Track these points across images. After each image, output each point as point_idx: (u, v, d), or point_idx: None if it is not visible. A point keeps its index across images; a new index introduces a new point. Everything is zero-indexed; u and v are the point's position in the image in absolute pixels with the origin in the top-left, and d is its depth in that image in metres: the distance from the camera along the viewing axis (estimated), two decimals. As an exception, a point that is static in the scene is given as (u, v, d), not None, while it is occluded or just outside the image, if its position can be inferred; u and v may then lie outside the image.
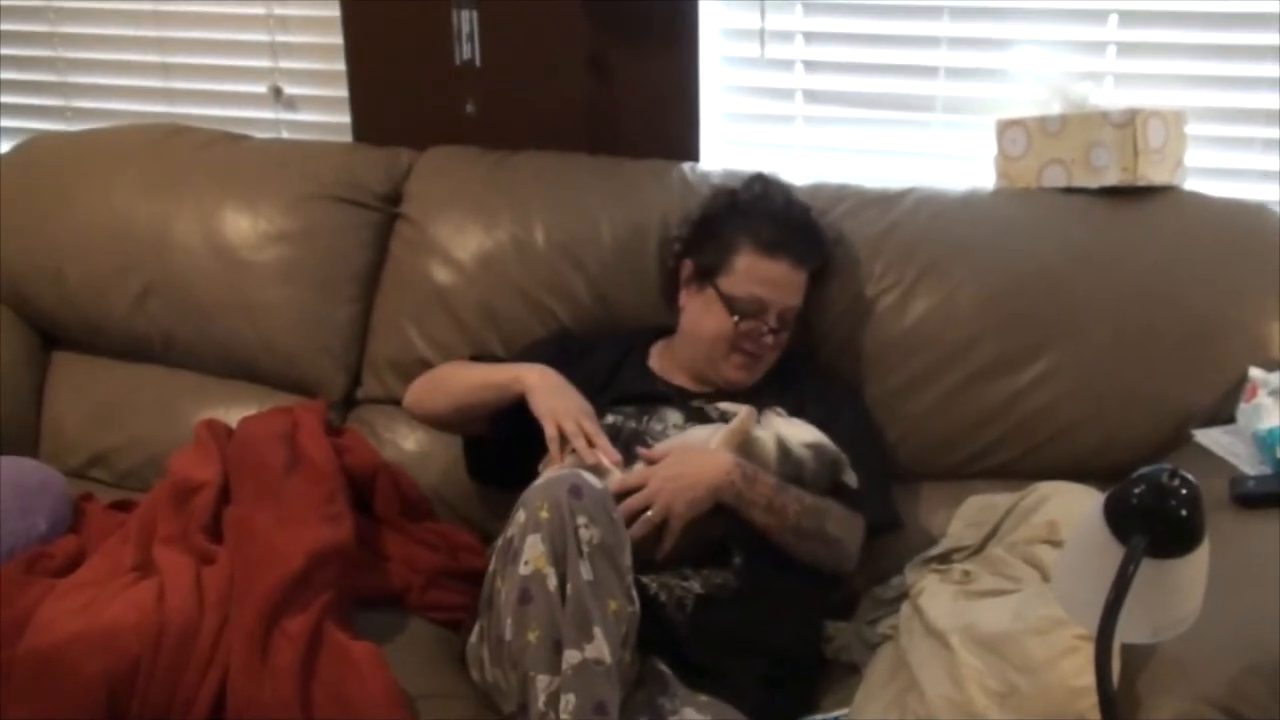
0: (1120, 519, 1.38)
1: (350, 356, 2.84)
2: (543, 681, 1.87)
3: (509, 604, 1.92)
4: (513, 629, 1.91)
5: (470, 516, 2.59)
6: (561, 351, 2.49)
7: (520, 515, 1.95)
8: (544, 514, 1.91)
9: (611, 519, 1.94)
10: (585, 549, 1.88)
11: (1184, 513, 1.37)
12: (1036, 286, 2.46)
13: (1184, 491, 1.36)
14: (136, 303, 2.89)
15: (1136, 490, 1.37)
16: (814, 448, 2.23)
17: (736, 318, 2.35)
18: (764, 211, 2.43)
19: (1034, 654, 1.70)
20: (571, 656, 1.85)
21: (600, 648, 1.85)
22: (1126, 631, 1.44)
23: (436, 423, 2.57)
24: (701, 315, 2.42)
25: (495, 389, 2.37)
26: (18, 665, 1.92)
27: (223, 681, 1.94)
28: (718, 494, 2.14)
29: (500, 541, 2.01)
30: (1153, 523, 1.36)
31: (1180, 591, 1.44)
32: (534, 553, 1.90)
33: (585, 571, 1.88)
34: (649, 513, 2.10)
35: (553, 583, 1.89)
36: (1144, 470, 1.40)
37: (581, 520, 1.89)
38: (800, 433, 2.26)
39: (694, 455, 2.18)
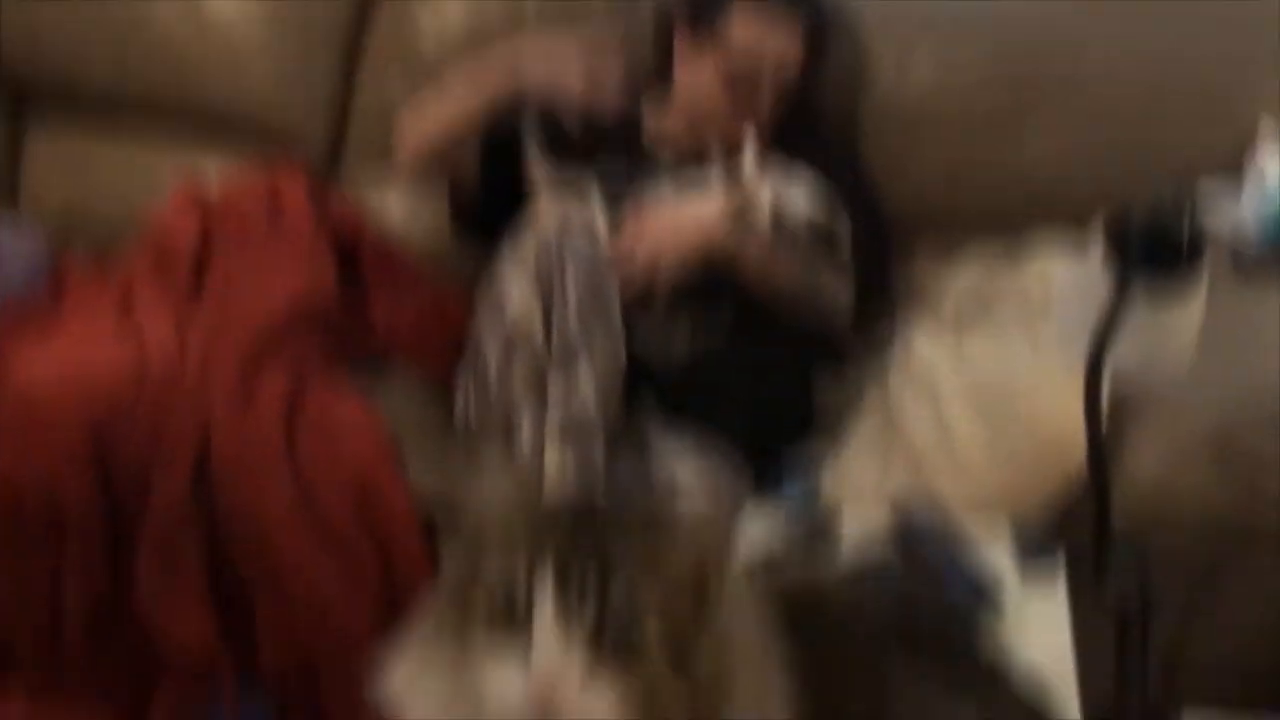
0: (1119, 243, 1.34)
1: (334, 112, 2.76)
2: (527, 429, 1.86)
3: (494, 352, 1.90)
4: (498, 378, 1.89)
5: (459, 274, 2.54)
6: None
7: (506, 260, 1.91)
8: (531, 259, 1.87)
9: (600, 267, 1.90)
10: (572, 296, 1.86)
11: (1184, 238, 1.33)
12: (1042, 43, 2.40)
13: (1186, 213, 1.32)
14: (115, 60, 2.78)
15: (1136, 214, 1.33)
16: (810, 219, 2.18)
17: (732, 67, 2.27)
18: None
19: (1023, 398, 1.68)
20: (557, 405, 1.83)
21: (587, 396, 1.84)
22: (1118, 365, 1.43)
23: (426, 159, 2.48)
24: (697, 73, 2.34)
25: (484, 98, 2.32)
26: (-2, 411, 1.92)
27: (207, 428, 1.94)
28: (708, 242, 2.09)
29: (486, 288, 1.98)
30: (1151, 247, 1.32)
31: (1175, 325, 1.42)
32: (520, 300, 1.87)
33: (572, 320, 1.85)
34: (638, 257, 2.06)
35: (539, 329, 1.86)
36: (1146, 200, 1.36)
37: (569, 267, 1.86)
38: (797, 198, 2.20)
39: (685, 206, 2.13)
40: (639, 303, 2.07)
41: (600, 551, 0.77)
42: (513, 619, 0.77)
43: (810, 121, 2.45)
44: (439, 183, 2.51)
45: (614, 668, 0.76)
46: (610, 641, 0.76)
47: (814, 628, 0.91)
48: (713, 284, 2.13)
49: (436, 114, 2.41)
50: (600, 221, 2.08)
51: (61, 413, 1.91)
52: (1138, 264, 1.33)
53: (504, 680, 0.76)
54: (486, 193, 2.38)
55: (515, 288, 1.87)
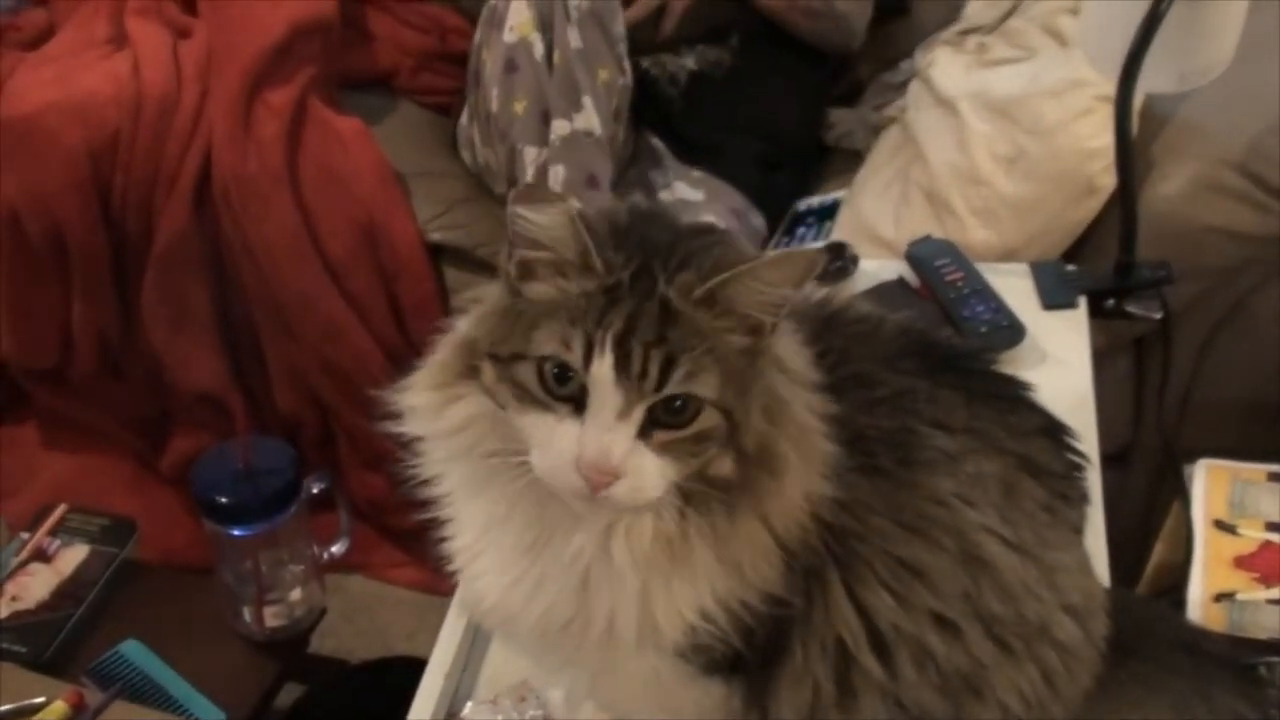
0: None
1: None
2: (531, 153, 1.81)
3: (495, 75, 1.83)
4: (499, 100, 1.83)
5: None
6: None
7: None
8: None
9: None
10: (574, 14, 1.77)
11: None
12: None
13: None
14: None
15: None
16: None
17: None
18: None
19: (1047, 116, 1.62)
20: (560, 127, 1.78)
21: (590, 118, 1.78)
22: (1151, 79, 1.36)
23: None
24: None
25: None
26: (-6, 135, 1.87)
27: (207, 154, 1.89)
28: None
29: (485, 9, 1.90)
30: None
31: (1212, 33, 1.34)
32: (520, 19, 1.80)
33: (574, 39, 1.78)
34: None
35: (539, 50, 1.79)
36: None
37: None
38: None
39: None
40: (649, 35, 1.99)
41: (660, 328, 0.73)
42: (564, 386, 0.74)
43: None
44: None
45: (667, 435, 0.74)
46: (665, 412, 0.74)
47: (832, 342, 0.88)
48: (724, 11, 2.04)
49: None
50: None
51: (58, 136, 1.86)
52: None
53: (553, 438, 0.74)
54: None
55: (513, 9, 1.79)
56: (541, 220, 0.75)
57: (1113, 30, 1.34)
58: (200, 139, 1.89)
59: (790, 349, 0.80)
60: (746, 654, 0.83)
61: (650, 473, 0.74)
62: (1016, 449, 0.88)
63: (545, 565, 0.80)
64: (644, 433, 0.74)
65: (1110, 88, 1.41)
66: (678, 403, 0.74)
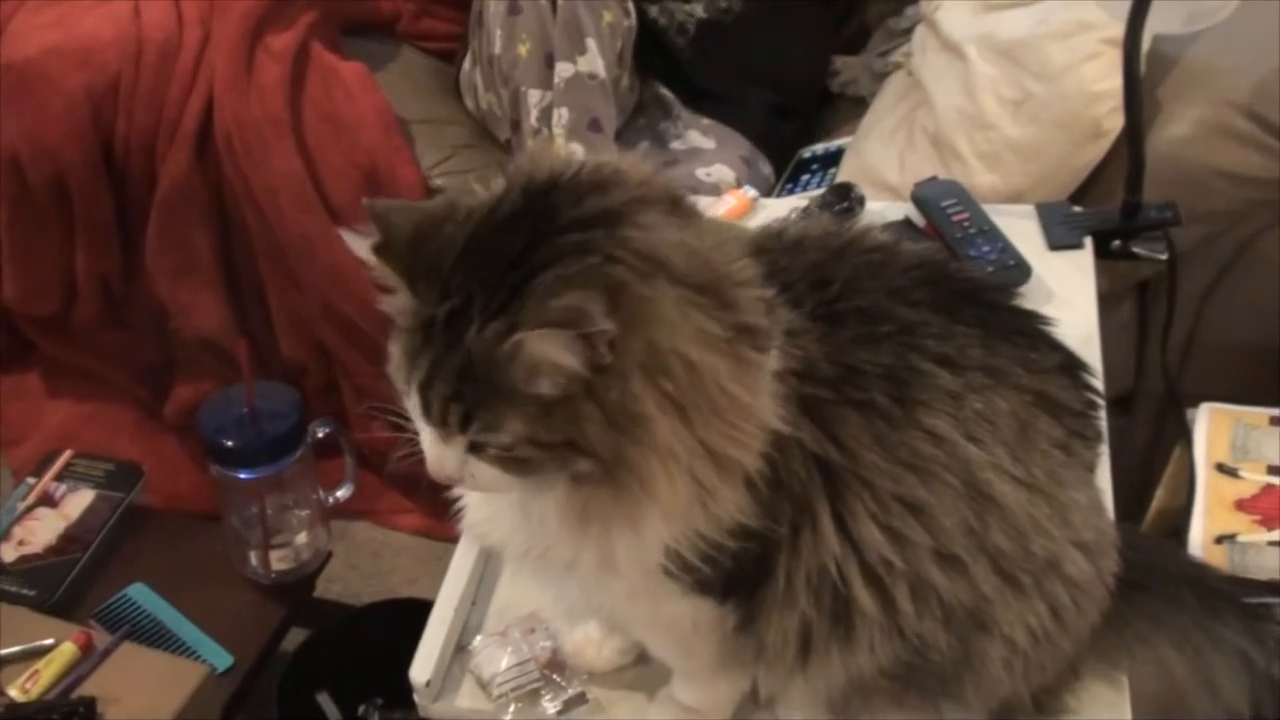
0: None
1: None
2: (534, 96, 1.80)
3: (498, 16, 1.82)
4: (502, 42, 1.81)
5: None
6: None
7: None
8: None
9: None
10: None
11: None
12: None
13: None
14: None
15: None
16: None
17: None
18: None
19: (1054, 59, 1.60)
20: (564, 69, 1.77)
21: (594, 60, 1.77)
22: (1159, 19, 1.35)
23: None
24: None
25: None
26: (-5, 79, 1.86)
27: (209, 100, 1.88)
28: None
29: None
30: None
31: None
32: None
33: None
34: None
35: None
36: None
37: None
38: None
39: None
40: None
41: (459, 382, 0.73)
42: None
43: None
44: None
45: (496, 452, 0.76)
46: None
47: (838, 272, 0.87)
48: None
49: None
50: None
51: (59, 81, 1.85)
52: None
53: (421, 437, 0.78)
54: None
55: None
56: (359, 250, 0.77)
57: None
58: (202, 84, 1.88)
59: (689, 331, 0.75)
60: (735, 576, 0.84)
61: (490, 476, 0.77)
62: (1034, 386, 0.87)
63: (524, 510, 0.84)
64: (475, 449, 0.76)
65: (1117, 30, 1.41)
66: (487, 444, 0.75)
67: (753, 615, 0.87)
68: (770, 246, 0.88)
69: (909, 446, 0.83)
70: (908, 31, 2.02)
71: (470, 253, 0.74)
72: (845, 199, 1.49)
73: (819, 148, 2.01)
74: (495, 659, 1.05)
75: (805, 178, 1.97)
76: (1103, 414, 0.94)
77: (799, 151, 2.03)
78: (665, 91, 1.99)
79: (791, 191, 1.94)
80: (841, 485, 0.82)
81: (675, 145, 1.94)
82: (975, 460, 0.84)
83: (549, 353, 0.70)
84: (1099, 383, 0.94)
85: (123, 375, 2.21)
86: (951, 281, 0.91)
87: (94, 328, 2.11)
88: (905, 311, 0.86)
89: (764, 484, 0.80)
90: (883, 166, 1.81)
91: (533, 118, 1.80)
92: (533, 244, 0.73)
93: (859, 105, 2.06)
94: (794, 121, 2.07)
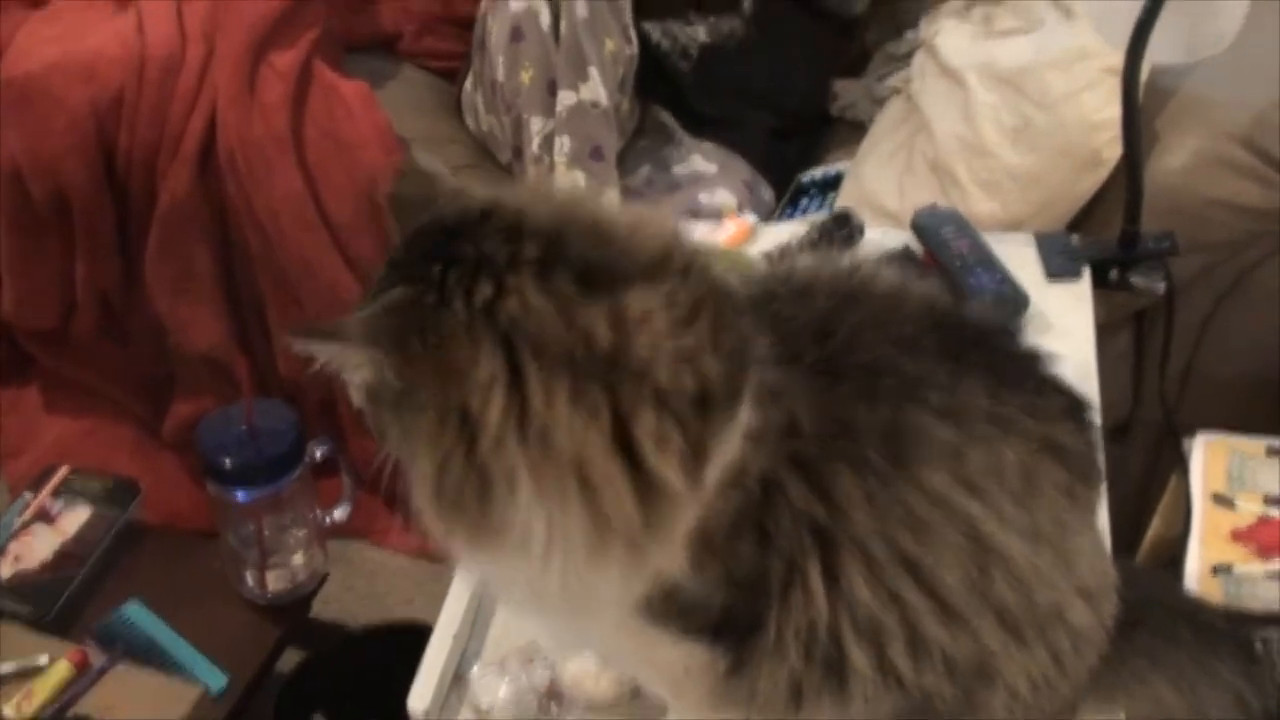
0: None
1: None
2: (537, 124, 1.81)
3: (500, 43, 1.83)
4: (505, 69, 1.82)
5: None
6: None
7: None
8: None
9: None
10: None
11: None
12: None
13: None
14: None
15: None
16: None
17: None
18: None
19: (1054, 87, 1.61)
20: (566, 97, 1.77)
21: (596, 89, 1.78)
22: (1158, 49, 1.36)
23: None
24: None
25: None
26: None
27: (212, 116, 1.89)
28: None
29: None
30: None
31: (1220, 3, 1.34)
32: None
33: (580, 8, 1.77)
34: None
35: (546, 19, 1.79)
36: None
37: None
38: None
39: None
40: None
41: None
42: None
43: None
44: None
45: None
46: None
47: (847, 320, 0.86)
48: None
49: None
50: None
51: (63, 95, 1.85)
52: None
53: None
54: None
55: None
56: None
57: (1117, 11, 1.35)
58: (205, 101, 1.88)
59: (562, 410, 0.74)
60: (723, 626, 0.84)
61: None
62: (1040, 432, 0.87)
63: None
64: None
65: (1117, 59, 1.41)
66: None
67: (743, 661, 0.86)
68: (779, 292, 0.87)
69: (905, 504, 0.82)
70: (906, 56, 2.03)
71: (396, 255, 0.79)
72: (845, 226, 1.50)
73: (818, 172, 2.01)
74: (493, 689, 1.05)
75: (804, 202, 1.98)
76: (1101, 452, 0.94)
77: (798, 176, 2.04)
78: (668, 118, 1.99)
79: (791, 216, 1.94)
80: (833, 544, 0.82)
81: (677, 170, 1.94)
82: (977, 515, 0.83)
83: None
84: (1098, 418, 0.94)
85: (121, 391, 2.21)
86: (959, 328, 0.90)
87: (93, 342, 2.11)
88: (909, 364, 0.85)
89: (747, 540, 0.80)
90: (882, 192, 1.81)
91: (535, 145, 1.80)
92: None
93: (859, 129, 2.06)
94: (794, 145, 2.07)
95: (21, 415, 2.22)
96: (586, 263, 0.75)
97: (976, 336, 0.90)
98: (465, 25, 2.14)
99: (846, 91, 2.16)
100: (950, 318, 0.91)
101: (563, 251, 0.75)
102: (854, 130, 2.10)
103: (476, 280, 0.74)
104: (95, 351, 2.14)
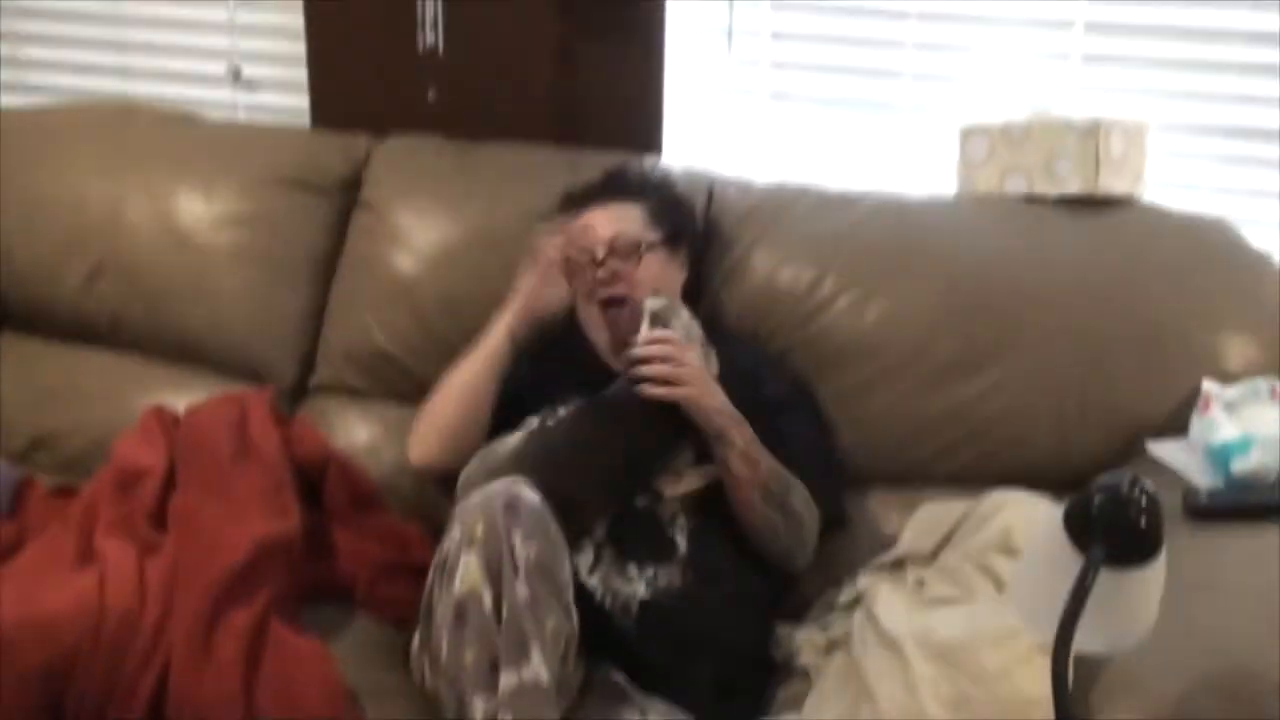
0: (1079, 528, 1.37)
1: (303, 344, 2.79)
2: (479, 705, 1.83)
3: (445, 623, 1.88)
4: (449, 649, 1.87)
5: (422, 509, 2.53)
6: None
7: (455, 531, 1.90)
8: (478, 530, 1.86)
9: (549, 534, 1.89)
10: (521, 567, 1.84)
11: (1144, 523, 1.37)
12: (994, 293, 2.48)
13: (1144, 501, 1.36)
14: (86, 283, 2.82)
15: (1096, 499, 1.37)
16: None
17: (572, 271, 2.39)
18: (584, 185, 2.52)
19: (988, 663, 1.69)
20: (508, 679, 1.80)
21: (538, 669, 1.81)
22: (1082, 642, 1.44)
23: (454, 446, 2.38)
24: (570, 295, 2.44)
25: (488, 358, 2.38)
26: (-46, 653, 1.87)
27: (164, 674, 1.90)
28: (722, 411, 2.15)
29: (437, 556, 1.97)
30: (1112, 532, 1.35)
31: (1136, 603, 1.44)
32: (468, 571, 1.86)
33: (521, 590, 1.83)
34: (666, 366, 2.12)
35: (488, 603, 1.84)
36: (1104, 479, 1.40)
37: (517, 537, 1.85)
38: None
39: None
40: (576, 539, 2.06)
41: None
42: None
43: (780, 353, 2.51)
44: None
45: None
46: None
47: None
48: (665, 529, 2.16)
49: (445, 400, 2.43)
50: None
51: (18, 657, 1.85)
52: (1100, 545, 1.36)
53: None
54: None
55: (462, 562, 1.86)
56: None
57: (1042, 596, 1.44)
58: (159, 657, 1.90)
59: None
60: None
61: None
62: None
63: None
64: None
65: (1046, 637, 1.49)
66: None
67: None
68: None
69: None
70: (847, 606, 2.12)
71: None
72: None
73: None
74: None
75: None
76: None
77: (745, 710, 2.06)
78: (616, 678, 2.03)
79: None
80: None
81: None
82: None
83: None
84: None
85: None
86: None
87: None
88: None
89: None
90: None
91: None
92: None
93: (804, 677, 2.11)
94: (739, 695, 2.10)
95: None
96: None
97: None
98: (420, 573, 2.20)
99: (789, 638, 2.22)
100: None
101: None
102: (799, 677, 2.13)
103: None
104: None
